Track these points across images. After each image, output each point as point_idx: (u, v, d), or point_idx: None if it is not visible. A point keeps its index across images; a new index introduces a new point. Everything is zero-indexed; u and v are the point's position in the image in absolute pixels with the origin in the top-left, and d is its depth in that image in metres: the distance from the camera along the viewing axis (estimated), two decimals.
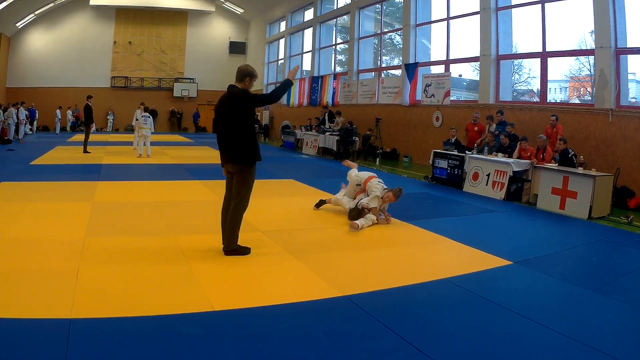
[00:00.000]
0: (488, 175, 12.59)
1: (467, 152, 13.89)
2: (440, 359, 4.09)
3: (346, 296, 5.39)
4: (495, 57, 16.63)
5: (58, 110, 34.21)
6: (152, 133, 19.16)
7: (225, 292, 5.54)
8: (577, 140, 12.85)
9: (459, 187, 13.43)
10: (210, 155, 19.65)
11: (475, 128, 15.39)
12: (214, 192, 11.22)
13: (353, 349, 4.27)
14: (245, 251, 6.74)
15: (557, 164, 11.50)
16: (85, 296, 5.20)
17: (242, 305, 5.12)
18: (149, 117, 18.78)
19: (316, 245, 7.59)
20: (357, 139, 20.84)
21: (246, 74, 6.68)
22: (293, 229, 8.52)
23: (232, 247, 6.70)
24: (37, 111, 33.58)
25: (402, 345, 4.32)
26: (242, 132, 6.63)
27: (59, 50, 37.89)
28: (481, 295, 5.55)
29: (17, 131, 25.92)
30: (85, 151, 19.58)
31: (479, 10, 17.16)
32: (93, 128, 20.65)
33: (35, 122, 33.64)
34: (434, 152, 14.81)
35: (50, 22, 37.83)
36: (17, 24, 35.86)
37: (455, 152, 14.08)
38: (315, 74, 29.52)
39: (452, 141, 14.94)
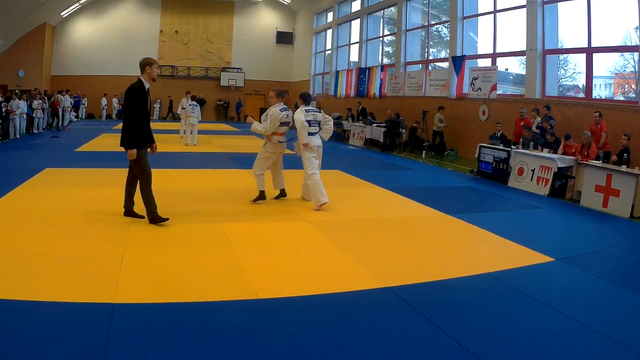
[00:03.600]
0: (533, 170, 12.68)
1: (512, 146, 13.94)
2: (480, 353, 4.11)
3: (389, 287, 5.46)
4: (542, 51, 16.62)
5: (103, 98, 35.08)
6: (199, 122, 19.50)
7: (269, 281, 5.60)
8: (620, 137, 12.86)
9: (504, 182, 13.49)
10: (255, 144, 19.58)
11: (522, 123, 15.44)
12: None
13: (394, 339, 4.33)
14: (162, 220, 7.66)
15: (601, 161, 11.53)
16: (128, 281, 5.34)
17: (286, 294, 5.21)
18: (197, 105, 19.19)
19: (361, 236, 7.68)
20: (403, 131, 20.99)
21: (144, 65, 7.65)
22: (339, 219, 8.61)
23: (151, 217, 7.64)
24: (83, 98, 34.54)
25: (443, 338, 4.37)
26: (127, 119, 7.55)
27: (104, 38, 38.55)
28: (523, 291, 5.58)
29: (62, 118, 26.84)
30: None
31: (525, 3, 17.15)
32: None
33: (80, 109, 34.55)
34: (480, 146, 14.90)
35: (95, 11, 38.53)
36: (62, 13, 36.70)
37: (501, 147, 14.13)
38: (363, 65, 29.64)
39: (498, 135, 15.03)
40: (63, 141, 19.30)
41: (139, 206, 7.89)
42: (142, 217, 7.85)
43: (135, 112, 7.51)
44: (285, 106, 9.46)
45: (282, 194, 9.86)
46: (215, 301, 4.96)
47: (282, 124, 9.34)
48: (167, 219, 7.70)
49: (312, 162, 9.34)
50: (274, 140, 9.38)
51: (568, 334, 4.63)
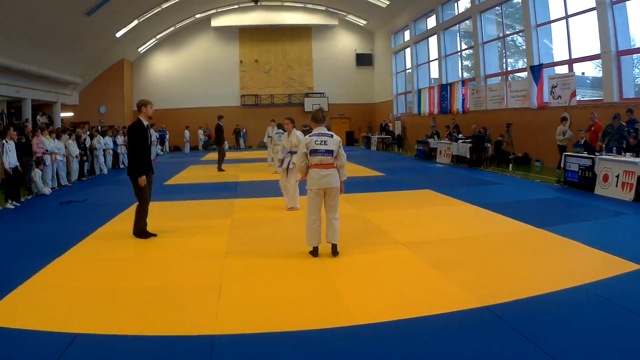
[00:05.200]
0: (617, 176, 12.61)
1: (596, 153, 13.87)
2: None
3: (486, 306, 5.49)
4: (615, 53, 16.58)
5: (186, 131, 36.48)
6: None
7: (367, 305, 5.67)
8: None
9: (591, 190, 13.42)
10: (348, 168, 19.43)
11: (592, 128, 15.46)
12: (353, 205, 11.73)
13: None
14: (148, 235, 9.16)
15: None
16: (228, 312, 5.47)
17: (384, 318, 5.26)
18: (283, 133, 19.59)
19: (454, 255, 7.77)
20: (489, 145, 21.01)
21: (140, 106, 9.16)
22: (431, 240, 8.70)
23: (135, 232, 9.18)
24: (167, 132, 36.26)
25: (542, 356, 4.38)
26: (131, 153, 9.12)
27: (184, 72, 40.40)
28: (617, 302, 5.53)
29: None
30: (219, 169, 20.81)
31: (595, 6, 17.22)
32: (226, 146, 22.00)
33: (166, 143, 36.38)
34: (565, 155, 14.95)
35: (173, 45, 40.54)
36: (139, 49, 38.81)
37: (585, 154, 14.11)
38: (444, 82, 29.86)
39: (582, 143, 15.02)
40: None
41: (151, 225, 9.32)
42: (154, 235, 9.27)
43: (138, 147, 9.02)
44: (321, 131, 7.99)
45: (334, 250, 7.82)
46: (315, 329, 5.03)
47: (313, 151, 7.77)
48: (155, 235, 9.22)
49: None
50: (310, 174, 7.89)
51: None
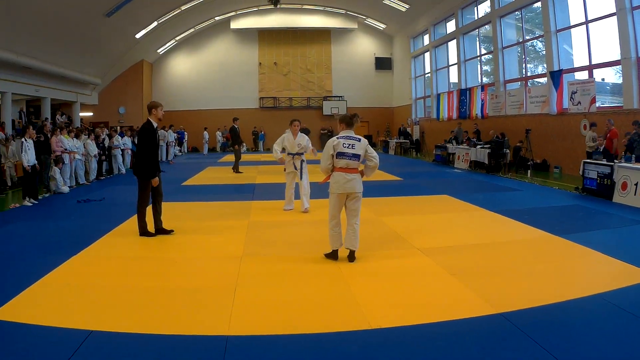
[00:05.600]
0: (636, 184, 12.42)
1: (615, 160, 13.72)
2: None
3: (501, 313, 5.44)
4: (636, 59, 16.40)
5: (205, 132, 36.59)
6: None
7: (382, 310, 5.63)
8: None
9: (609, 198, 13.26)
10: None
11: (608, 135, 15.29)
12: (370, 210, 11.56)
13: None
14: (149, 234, 9.30)
15: None
16: (242, 313, 5.48)
17: (399, 323, 5.25)
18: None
19: (471, 261, 7.69)
20: (508, 151, 20.78)
21: (150, 108, 9.38)
22: (449, 245, 8.64)
23: (141, 232, 9.31)
24: (185, 133, 36.48)
25: None
26: (140, 153, 9.35)
27: (203, 73, 40.72)
28: (633, 312, 5.46)
29: (167, 153, 28.79)
30: (237, 171, 20.86)
31: (615, 11, 17.08)
32: (244, 148, 21.86)
33: (184, 144, 36.63)
34: (584, 162, 14.76)
35: (192, 46, 40.83)
36: (158, 50, 39.06)
37: (604, 162, 13.92)
38: (463, 87, 29.69)
39: (601, 150, 14.85)
40: (169, 175, 18.98)
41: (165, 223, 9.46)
42: (171, 231, 9.50)
43: (146, 148, 9.24)
44: (349, 134, 7.79)
45: (351, 256, 7.69)
46: (330, 332, 5.03)
47: (340, 154, 7.61)
48: (171, 231, 9.46)
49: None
50: (334, 177, 7.70)
51: None
